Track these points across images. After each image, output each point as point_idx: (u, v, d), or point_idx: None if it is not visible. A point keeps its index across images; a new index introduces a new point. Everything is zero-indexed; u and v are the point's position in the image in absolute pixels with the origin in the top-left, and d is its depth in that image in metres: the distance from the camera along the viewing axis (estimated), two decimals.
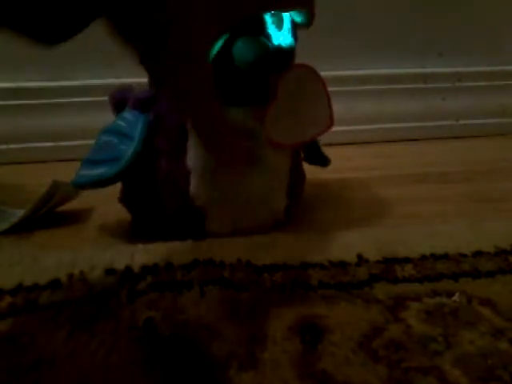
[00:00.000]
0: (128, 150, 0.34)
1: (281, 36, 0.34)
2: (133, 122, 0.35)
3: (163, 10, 0.25)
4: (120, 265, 0.31)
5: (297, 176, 0.39)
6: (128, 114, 0.36)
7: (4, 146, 0.62)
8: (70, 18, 0.23)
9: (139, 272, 0.30)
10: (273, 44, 0.33)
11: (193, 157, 0.34)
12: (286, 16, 0.34)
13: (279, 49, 0.33)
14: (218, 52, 0.32)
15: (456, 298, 0.28)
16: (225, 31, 0.30)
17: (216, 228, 0.36)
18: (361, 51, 0.70)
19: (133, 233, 0.38)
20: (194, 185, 0.34)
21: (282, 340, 0.24)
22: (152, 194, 0.36)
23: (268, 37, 0.33)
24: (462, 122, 0.74)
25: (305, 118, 0.35)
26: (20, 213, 0.39)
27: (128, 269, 0.30)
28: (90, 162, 0.36)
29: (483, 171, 0.55)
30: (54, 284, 0.29)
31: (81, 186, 0.36)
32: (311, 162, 0.44)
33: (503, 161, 0.59)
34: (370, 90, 0.70)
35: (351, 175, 0.54)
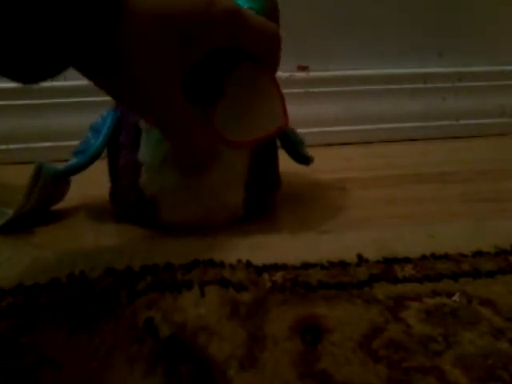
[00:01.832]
0: (95, 143, 0.39)
1: None
2: (105, 118, 0.40)
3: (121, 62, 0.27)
4: (120, 265, 0.31)
5: (258, 173, 0.39)
6: (105, 112, 0.40)
7: (4, 146, 0.62)
8: (42, 65, 0.25)
9: (139, 272, 0.30)
10: None
11: (143, 151, 0.37)
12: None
13: None
14: None
15: (456, 297, 0.28)
16: (186, 71, 0.31)
17: (167, 218, 0.37)
18: (361, 51, 0.70)
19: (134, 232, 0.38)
20: (143, 177, 0.37)
21: (282, 340, 0.24)
22: (115, 186, 0.40)
23: None
24: (461, 121, 0.74)
25: (256, 116, 0.36)
26: (11, 211, 0.38)
27: (128, 269, 0.30)
28: (72, 154, 0.41)
29: (483, 171, 0.55)
30: (54, 284, 0.29)
31: (63, 174, 0.40)
32: (296, 161, 0.45)
33: (503, 161, 0.59)
34: (369, 89, 0.70)
35: (351, 175, 0.54)
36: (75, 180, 0.42)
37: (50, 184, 0.39)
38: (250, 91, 0.35)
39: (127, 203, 0.39)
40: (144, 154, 0.37)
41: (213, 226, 0.37)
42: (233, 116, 0.35)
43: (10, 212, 0.39)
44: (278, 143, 0.43)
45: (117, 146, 0.39)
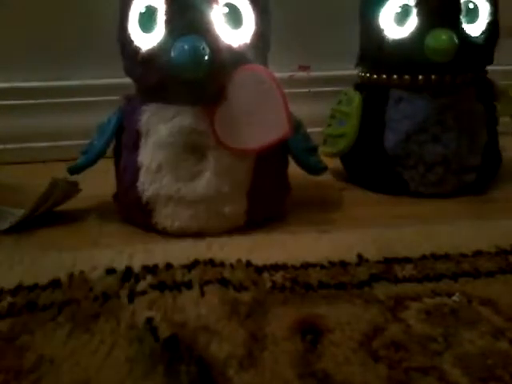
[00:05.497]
0: (98, 144, 0.39)
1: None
2: (110, 119, 0.39)
3: None
4: (120, 265, 0.31)
5: (263, 181, 0.37)
6: (112, 113, 0.40)
7: (3, 146, 0.62)
8: None
9: (139, 272, 0.30)
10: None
11: (142, 153, 0.36)
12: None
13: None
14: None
15: (456, 298, 0.28)
16: None
17: (162, 224, 0.37)
18: None
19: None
20: (141, 180, 0.36)
21: (282, 340, 0.24)
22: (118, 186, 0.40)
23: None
24: None
25: (257, 122, 0.34)
26: (20, 212, 0.39)
27: (128, 269, 0.30)
28: (80, 154, 0.41)
29: None
30: (54, 284, 0.29)
31: (70, 171, 0.40)
32: (305, 171, 0.42)
33: (503, 161, 0.59)
34: None
35: None
36: (79, 180, 0.42)
37: (63, 195, 0.40)
38: (252, 96, 0.34)
39: (127, 205, 0.39)
40: (142, 157, 0.36)
41: (210, 235, 0.35)
42: (233, 121, 0.33)
43: (11, 210, 0.39)
44: None
45: (120, 147, 0.39)
